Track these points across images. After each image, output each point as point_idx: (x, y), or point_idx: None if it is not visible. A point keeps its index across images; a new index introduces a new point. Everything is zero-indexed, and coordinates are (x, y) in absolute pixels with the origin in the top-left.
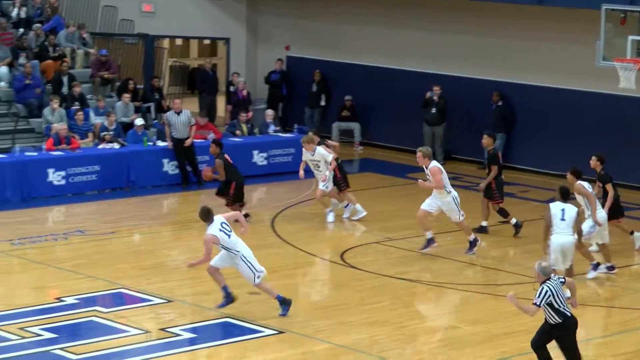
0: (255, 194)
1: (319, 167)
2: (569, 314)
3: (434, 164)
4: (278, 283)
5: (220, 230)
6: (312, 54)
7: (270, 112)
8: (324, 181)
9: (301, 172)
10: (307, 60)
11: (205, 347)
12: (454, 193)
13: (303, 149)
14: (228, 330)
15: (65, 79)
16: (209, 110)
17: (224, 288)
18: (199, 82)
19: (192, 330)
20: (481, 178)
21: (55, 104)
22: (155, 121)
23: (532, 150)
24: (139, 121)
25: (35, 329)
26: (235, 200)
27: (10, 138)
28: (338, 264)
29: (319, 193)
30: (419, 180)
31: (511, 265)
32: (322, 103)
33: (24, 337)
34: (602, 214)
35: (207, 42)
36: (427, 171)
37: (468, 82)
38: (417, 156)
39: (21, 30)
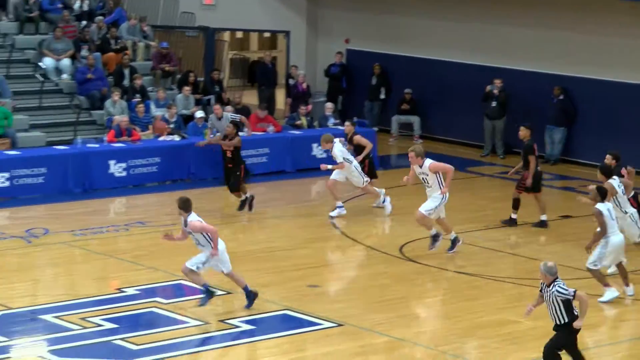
0: (314, 187)
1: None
2: (576, 313)
3: (430, 160)
4: (337, 276)
5: (199, 218)
6: (372, 47)
7: (329, 105)
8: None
9: (323, 165)
10: (367, 53)
11: (264, 339)
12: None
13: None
14: (287, 323)
15: (126, 72)
16: (268, 103)
17: (205, 285)
18: (259, 75)
19: (251, 322)
20: (543, 172)
21: (116, 96)
22: None
23: (593, 145)
24: (200, 113)
25: (96, 319)
26: (247, 177)
27: (72, 130)
28: (397, 257)
29: (367, 189)
30: (443, 189)
31: (571, 260)
32: (382, 96)
33: (85, 327)
34: (632, 210)
35: (267, 35)
36: (421, 170)
37: (529, 75)
38: (410, 156)
39: (83, 22)
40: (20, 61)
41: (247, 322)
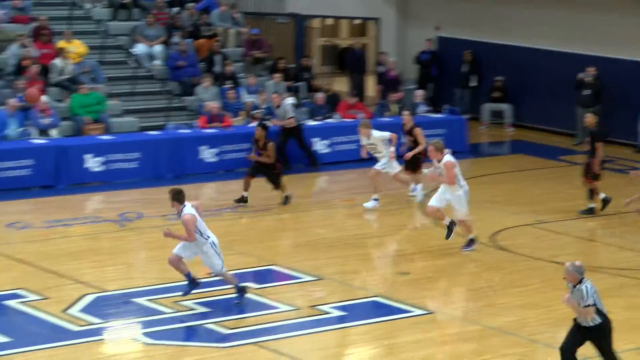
0: (404, 174)
1: (376, 149)
2: (606, 314)
3: (448, 157)
4: (429, 264)
5: (193, 211)
6: (462, 34)
7: (420, 92)
8: (392, 158)
9: (363, 153)
10: (458, 40)
11: (354, 325)
12: (466, 187)
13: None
14: (377, 310)
15: (217, 58)
16: (358, 90)
17: (188, 274)
18: (348, 62)
19: (342, 308)
20: (636, 162)
21: (207, 82)
22: (305, 100)
23: None
24: (290, 100)
25: (189, 303)
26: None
27: (164, 115)
28: (488, 245)
29: (371, 173)
30: (426, 171)
31: None
32: (473, 84)
33: (178, 311)
34: None
35: (357, 21)
36: (438, 164)
37: (623, 63)
38: (429, 150)
39: (175, 9)
40: (113, 47)
41: (338, 308)
